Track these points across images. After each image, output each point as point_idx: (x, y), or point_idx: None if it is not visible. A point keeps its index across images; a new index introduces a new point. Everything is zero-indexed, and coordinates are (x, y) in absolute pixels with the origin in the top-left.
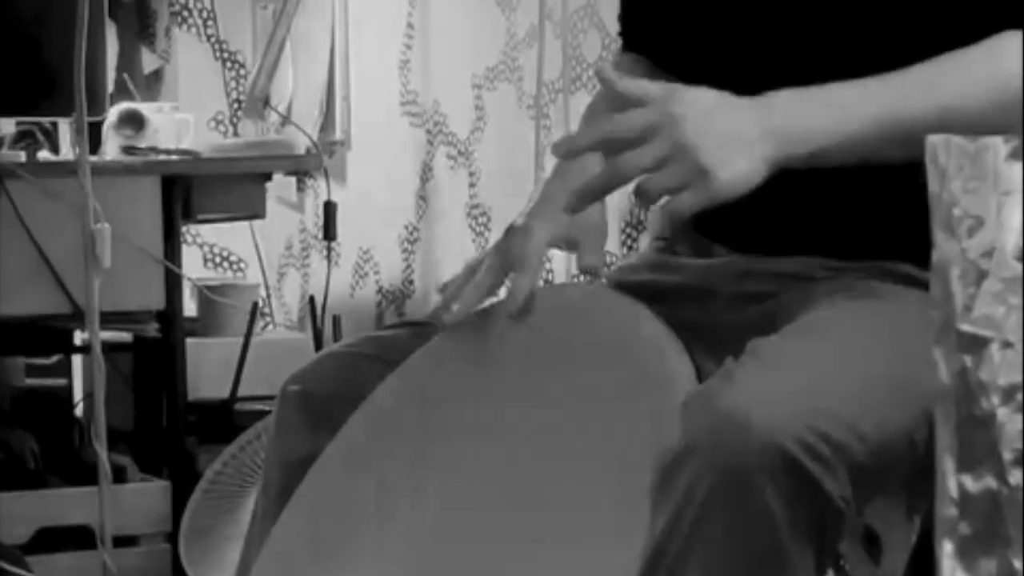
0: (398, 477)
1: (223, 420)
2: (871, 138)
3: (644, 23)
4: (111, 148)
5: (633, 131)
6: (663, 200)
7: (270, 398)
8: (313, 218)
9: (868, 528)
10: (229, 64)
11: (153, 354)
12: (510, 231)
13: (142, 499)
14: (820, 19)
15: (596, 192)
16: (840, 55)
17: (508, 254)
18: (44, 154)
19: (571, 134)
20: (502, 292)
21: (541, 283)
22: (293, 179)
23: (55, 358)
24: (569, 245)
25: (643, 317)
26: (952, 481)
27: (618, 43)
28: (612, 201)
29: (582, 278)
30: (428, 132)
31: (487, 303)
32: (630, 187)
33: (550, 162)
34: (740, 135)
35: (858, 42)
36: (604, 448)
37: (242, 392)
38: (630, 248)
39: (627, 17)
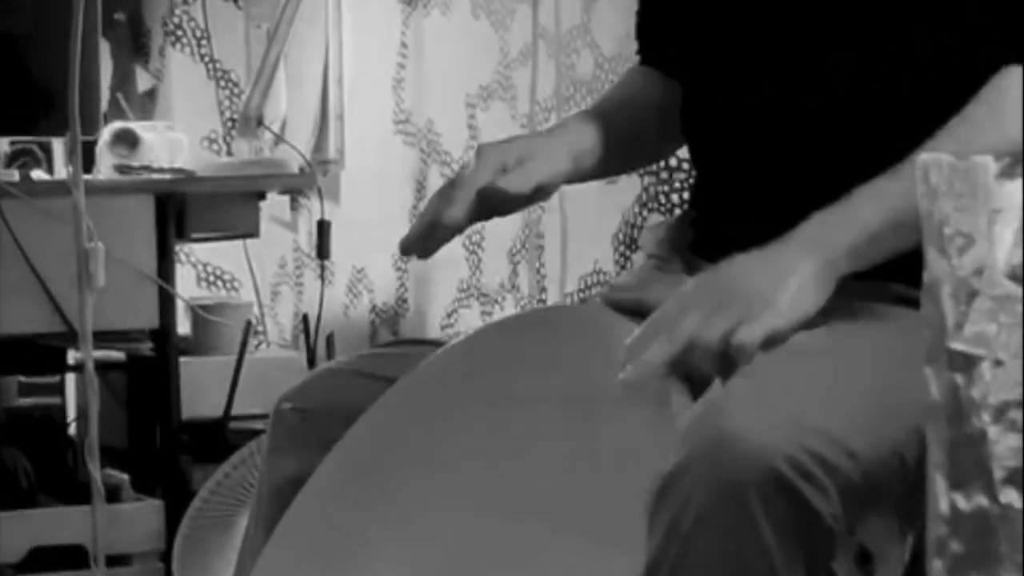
0: (394, 490)
1: (217, 439)
2: (894, 241)
3: (663, 36)
4: (105, 167)
5: (682, 314)
6: (657, 221)
7: (264, 417)
8: (307, 237)
9: (861, 546)
10: (223, 83)
11: (147, 373)
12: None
13: (136, 518)
14: (838, 33)
15: (658, 370)
16: (858, 68)
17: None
18: (38, 173)
19: (638, 362)
20: (496, 314)
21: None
22: (287, 198)
23: (49, 377)
24: (519, 163)
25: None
26: (943, 499)
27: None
28: (602, 219)
29: (576, 297)
30: (422, 151)
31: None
32: (628, 202)
33: None
34: (776, 266)
35: (864, 63)
36: (596, 465)
37: (236, 411)
38: (623, 266)
39: (644, 30)
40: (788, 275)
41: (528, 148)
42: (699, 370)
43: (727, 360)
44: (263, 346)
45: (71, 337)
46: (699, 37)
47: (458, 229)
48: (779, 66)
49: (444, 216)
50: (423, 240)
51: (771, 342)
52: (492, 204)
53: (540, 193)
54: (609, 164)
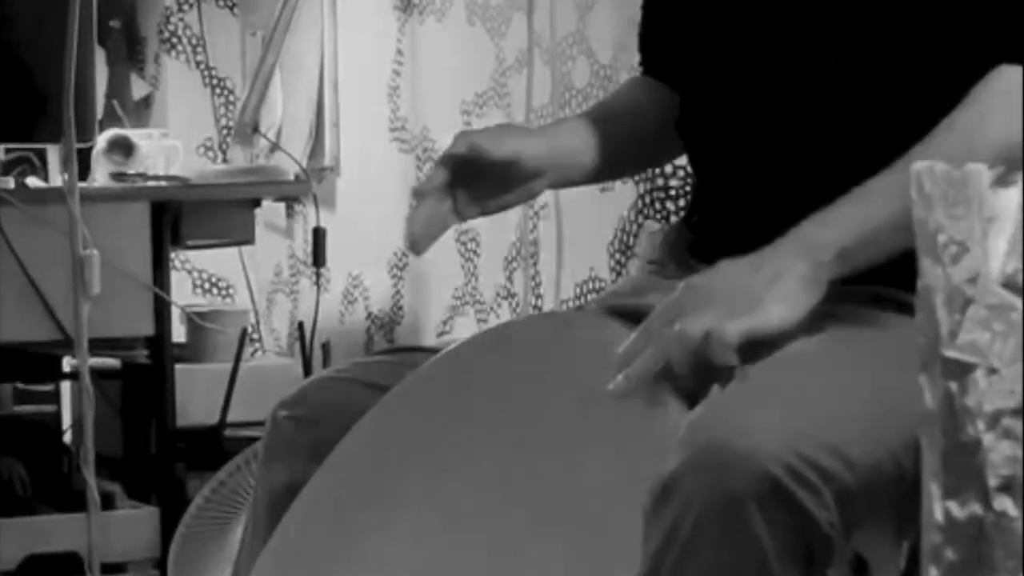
0: (390, 497)
1: (212, 446)
2: (882, 247)
3: (664, 46)
4: (100, 174)
5: (665, 319)
6: (655, 228)
7: (259, 424)
8: (302, 244)
9: (856, 554)
10: (218, 90)
11: (142, 380)
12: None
13: (131, 526)
14: (837, 43)
15: (647, 377)
16: (844, 84)
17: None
18: (33, 180)
19: (629, 369)
20: (492, 321)
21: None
22: (282, 205)
23: (44, 385)
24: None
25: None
26: (938, 507)
27: (607, 70)
28: (598, 226)
29: (571, 304)
30: (417, 158)
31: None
32: (624, 209)
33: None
34: (766, 270)
35: (862, 73)
36: (592, 471)
37: (231, 418)
38: (619, 273)
39: (647, 41)
40: (777, 277)
41: (507, 128)
42: (685, 378)
43: (709, 363)
44: (259, 353)
45: (66, 344)
46: (700, 47)
47: (441, 202)
48: (777, 74)
49: (422, 186)
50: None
51: (757, 343)
52: (474, 180)
53: (518, 174)
54: (602, 167)
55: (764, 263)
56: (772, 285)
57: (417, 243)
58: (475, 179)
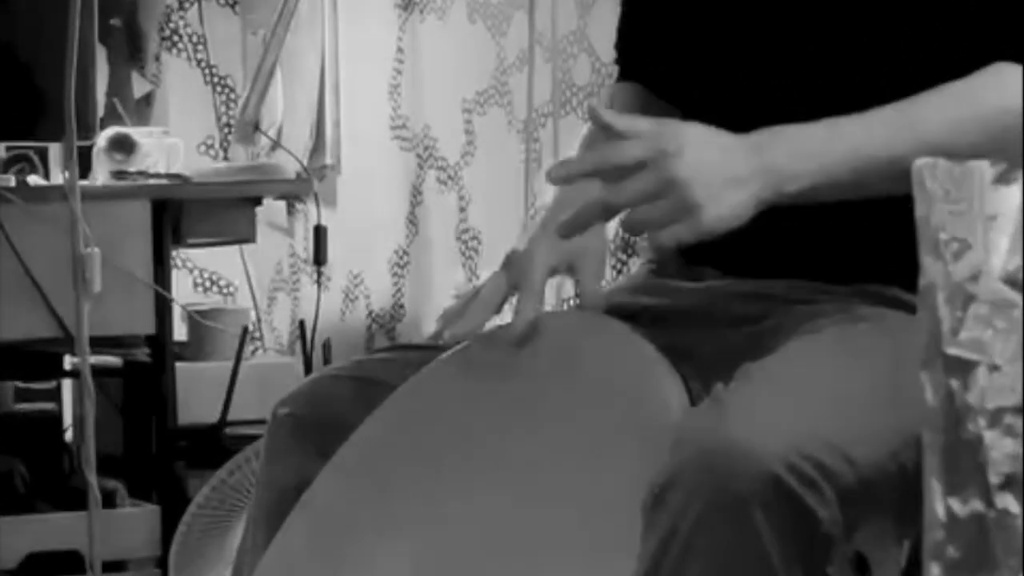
0: (395, 496)
1: (213, 444)
2: (861, 175)
3: (642, 51)
4: (101, 172)
5: (625, 162)
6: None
7: (260, 422)
8: (303, 242)
9: (857, 552)
10: (219, 89)
11: (143, 379)
12: (511, 256)
13: (132, 524)
14: (820, 48)
15: (586, 222)
16: (839, 85)
17: (511, 277)
18: (34, 178)
19: (567, 160)
20: (493, 320)
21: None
22: (283, 203)
23: (45, 383)
24: (570, 270)
25: (634, 341)
26: (940, 504)
27: (608, 67)
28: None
29: (572, 304)
30: (418, 156)
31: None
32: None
33: (540, 186)
34: (730, 173)
35: (856, 73)
36: (595, 471)
37: (232, 416)
38: (620, 272)
39: (624, 45)
40: (735, 190)
41: (571, 252)
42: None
43: (632, 230)
44: (259, 352)
45: (67, 342)
46: (682, 48)
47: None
48: (772, 74)
49: (511, 335)
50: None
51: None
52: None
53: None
54: None
55: (730, 170)
56: (730, 194)
57: (454, 331)
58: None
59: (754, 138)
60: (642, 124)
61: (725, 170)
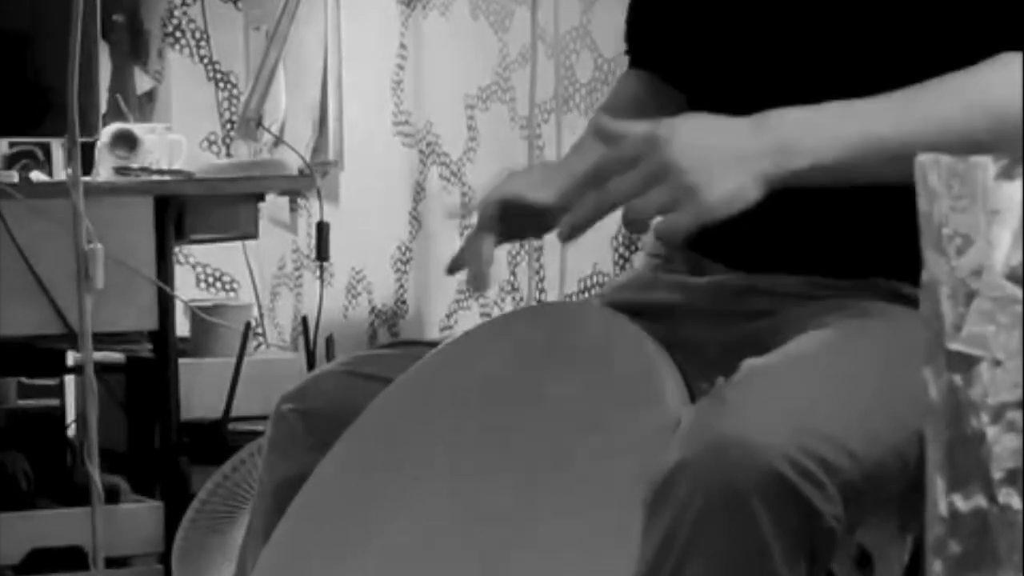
0: (393, 489)
1: (216, 440)
2: (870, 155)
3: (651, 38)
4: (104, 169)
5: (621, 158)
6: (655, 221)
7: (263, 418)
8: (306, 238)
9: (860, 547)
10: (222, 85)
11: (146, 375)
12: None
13: (135, 520)
14: (827, 35)
15: (586, 221)
16: (847, 71)
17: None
18: (37, 175)
19: (571, 217)
20: (495, 313)
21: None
22: (286, 199)
23: (48, 379)
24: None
25: (636, 335)
26: (942, 500)
27: (610, 64)
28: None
29: (574, 297)
30: (421, 152)
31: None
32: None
33: None
34: (732, 152)
35: (865, 58)
36: (592, 464)
37: (235, 412)
38: (622, 268)
39: (634, 32)
40: (739, 170)
41: (552, 171)
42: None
43: (633, 224)
44: (262, 348)
45: (70, 339)
46: (692, 35)
47: (491, 232)
48: (779, 67)
49: (476, 242)
50: (484, 264)
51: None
52: (518, 221)
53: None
54: None
55: (733, 150)
56: (733, 175)
57: (481, 280)
58: (513, 218)
59: (758, 118)
60: (637, 125)
61: (724, 149)
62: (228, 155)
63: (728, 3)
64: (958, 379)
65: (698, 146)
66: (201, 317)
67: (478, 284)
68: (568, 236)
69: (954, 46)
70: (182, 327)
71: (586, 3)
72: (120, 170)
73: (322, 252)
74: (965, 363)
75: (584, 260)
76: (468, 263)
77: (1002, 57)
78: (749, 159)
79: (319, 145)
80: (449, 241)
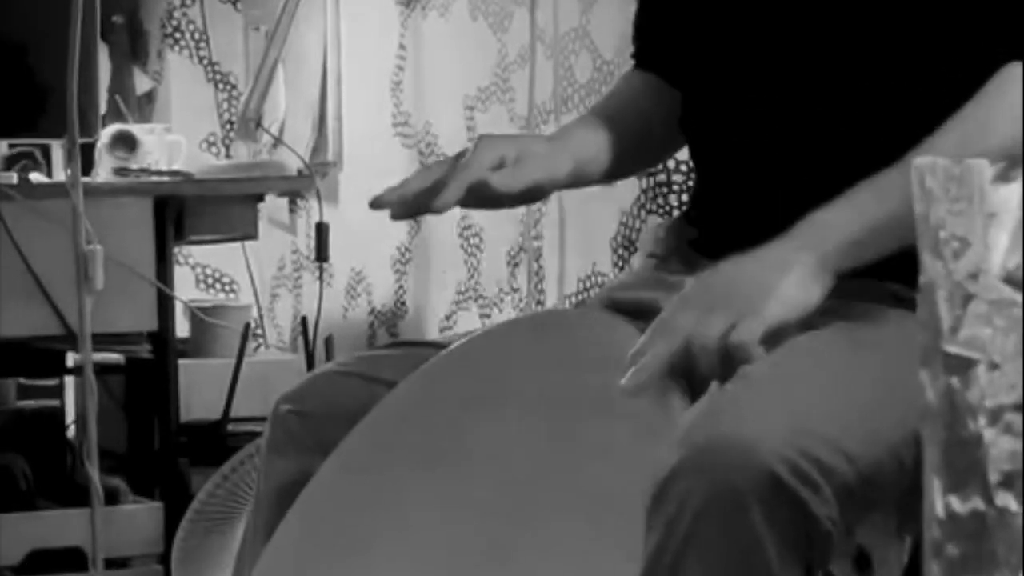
0: (395, 493)
1: (215, 441)
2: (902, 225)
3: (657, 40)
4: (103, 170)
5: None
6: (656, 222)
7: (262, 419)
8: (305, 239)
9: (859, 549)
10: (221, 85)
11: (145, 375)
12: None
13: (134, 521)
14: (833, 39)
15: (651, 377)
16: (852, 75)
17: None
18: (36, 175)
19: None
20: (495, 316)
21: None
22: (285, 200)
23: (47, 380)
24: (516, 161)
25: (634, 336)
26: (939, 502)
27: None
28: (600, 221)
29: (574, 299)
30: (420, 152)
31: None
32: (626, 204)
33: None
34: (771, 261)
35: (870, 62)
36: (595, 468)
37: (234, 413)
38: (621, 268)
39: (642, 34)
40: (785, 271)
41: (528, 148)
42: (700, 370)
43: (727, 359)
44: (262, 348)
45: (70, 339)
46: (698, 39)
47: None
48: (780, 70)
49: (434, 204)
50: (404, 207)
51: (771, 337)
52: (481, 197)
53: (533, 193)
54: (611, 170)
55: (772, 257)
56: (781, 279)
57: (398, 211)
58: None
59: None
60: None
61: (766, 261)
62: (227, 156)
63: (738, 8)
64: (955, 382)
65: (739, 267)
66: (200, 318)
67: (393, 208)
68: (635, 394)
69: (954, 49)
70: (181, 328)
71: (585, 4)
72: (119, 171)
73: (321, 253)
74: (962, 366)
75: (583, 261)
76: (395, 194)
77: (1001, 77)
78: (791, 261)
79: (318, 146)
80: (449, 241)
